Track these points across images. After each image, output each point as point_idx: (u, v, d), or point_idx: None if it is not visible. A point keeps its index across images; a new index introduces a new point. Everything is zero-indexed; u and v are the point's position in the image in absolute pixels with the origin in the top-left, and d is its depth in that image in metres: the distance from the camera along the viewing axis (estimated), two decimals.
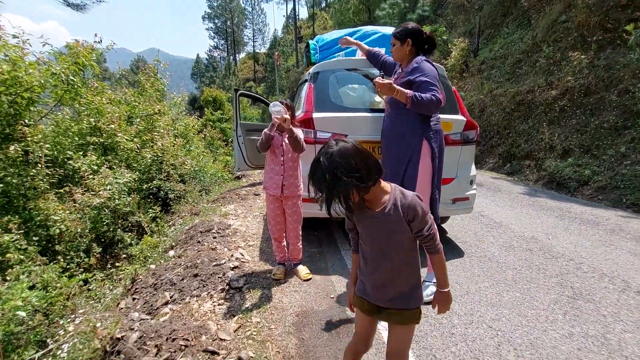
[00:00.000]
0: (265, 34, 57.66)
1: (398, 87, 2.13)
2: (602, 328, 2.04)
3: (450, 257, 3.06)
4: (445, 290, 1.27)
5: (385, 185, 1.23)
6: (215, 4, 53.29)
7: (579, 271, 2.83)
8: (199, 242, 3.20)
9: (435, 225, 1.25)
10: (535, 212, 4.68)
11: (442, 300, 1.28)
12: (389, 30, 4.07)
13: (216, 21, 54.65)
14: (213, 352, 1.72)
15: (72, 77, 4.48)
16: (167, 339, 1.78)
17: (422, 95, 2.11)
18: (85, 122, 5.19)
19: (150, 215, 5.00)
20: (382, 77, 2.18)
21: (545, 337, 1.96)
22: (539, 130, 8.04)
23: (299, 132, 2.51)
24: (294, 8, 47.60)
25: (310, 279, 2.63)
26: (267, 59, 45.31)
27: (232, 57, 56.32)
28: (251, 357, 1.73)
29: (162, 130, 6.11)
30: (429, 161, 2.30)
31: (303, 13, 61.71)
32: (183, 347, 1.72)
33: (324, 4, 56.22)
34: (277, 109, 2.34)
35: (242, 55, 58.33)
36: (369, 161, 1.14)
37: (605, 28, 7.70)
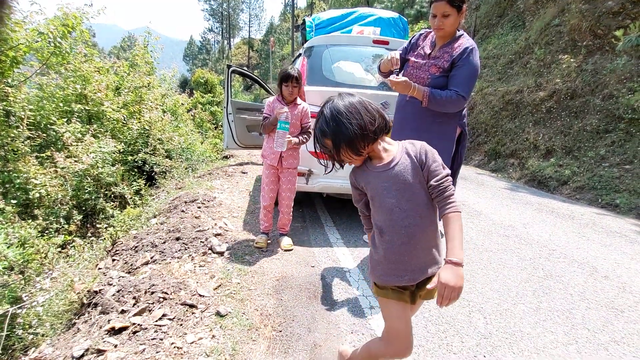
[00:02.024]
0: (261, 19, 56.68)
1: (414, 85, 1.94)
2: (568, 304, 2.15)
3: None
4: (460, 262, 0.98)
5: (391, 140, 1.15)
6: None
7: (551, 256, 2.94)
8: (182, 211, 3.19)
9: (453, 185, 1.09)
10: (515, 204, 4.82)
11: (453, 279, 0.96)
12: (385, 13, 4.08)
13: (212, 3, 53.38)
14: (191, 306, 1.74)
15: (59, 40, 4.33)
16: (145, 292, 1.79)
17: (441, 93, 1.93)
18: (71, 88, 5.04)
19: (134, 187, 4.93)
20: (397, 75, 1.99)
21: (515, 309, 2.05)
22: (524, 130, 8.22)
23: (305, 136, 2.55)
24: None
25: (291, 250, 2.66)
26: (262, 45, 44.65)
27: (226, 41, 55.23)
28: (229, 312, 1.75)
29: (150, 104, 5.99)
30: (457, 145, 2.24)
31: (301, 1, 60.84)
32: (161, 300, 1.73)
33: None
34: (284, 116, 2.33)
35: (237, 40, 57.26)
36: (374, 113, 1.07)
37: (596, 34, 7.87)
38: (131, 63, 6.83)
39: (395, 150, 1.12)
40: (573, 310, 2.08)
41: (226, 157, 7.44)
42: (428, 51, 2.10)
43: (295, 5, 50.78)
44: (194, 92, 22.23)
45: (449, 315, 1.92)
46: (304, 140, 2.53)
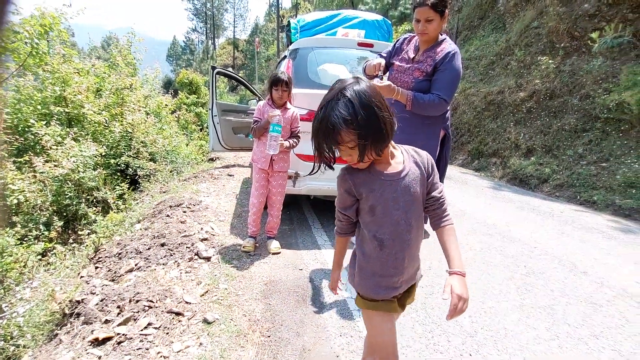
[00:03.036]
0: (246, 19, 56.40)
1: (398, 89, 1.96)
2: (549, 301, 2.21)
3: None
4: (464, 273, 1.01)
5: (394, 144, 1.06)
6: None
7: (533, 254, 3.03)
8: (167, 215, 3.13)
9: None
10: (498, 203, 4.94)
11: (465, 291, 0.98)
12: (370, 15, 4.12)
13: (196, 2, 52.67)
14: (178, 313, 1.71)
15: (36, 40, 4.19)
16: (130, 301, 1.75)
17: (424, 97, 1.96)
18: (49, 90, 4.89)
19: (117, 192, 4.82)
20: (381, 79, 2.01)
21: (498, 306, 2.10)
22: (506, 130, 8.43)
23: (295, 140, 2.57)
24: None
25: (279, 253, 2.66)
26: (248, 45, 44.35)
27: (210, 41, 54.57)
28: (217, 318, 1.73)
29: (133, 106, 5.87)
30: (441, 147, 2.26)
31: (287, 2, 60.70)
32: (146, 308, 1.70)
33: None
34: (276, 119, 2.33)
35: (222, 40, 56.63)
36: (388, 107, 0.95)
37: (573, 35, 8.13)
38: (111, 64, 6.68)
39: (402, 157, 1.04)
40: (554, 306, 2.14)
41: (212, 160, 7.36)
42: (412, 55, 2.13)
43: (280, 5, 50.60)
44: (179, 93, 21.91)
45: (435, 315, 1.96)
46: (294, 144, 2.54)
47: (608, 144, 6.27)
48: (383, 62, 2.08)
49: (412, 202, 1.01)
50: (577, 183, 5.96)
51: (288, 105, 2.56)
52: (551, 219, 4.25)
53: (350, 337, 1.74)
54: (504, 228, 3.73)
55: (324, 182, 2.87)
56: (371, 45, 3.06)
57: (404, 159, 1.04)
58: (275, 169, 2.56)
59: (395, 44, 2.31)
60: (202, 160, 7.83)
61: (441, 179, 2.37)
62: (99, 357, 1.40)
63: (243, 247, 2.66)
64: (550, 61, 7.99)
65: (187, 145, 9.07)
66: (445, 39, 2.08)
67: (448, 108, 2.13)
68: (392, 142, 1.04)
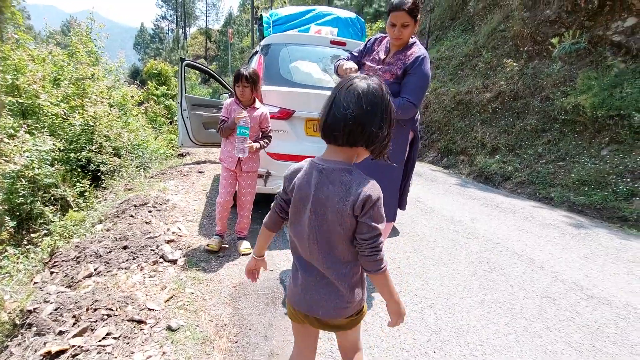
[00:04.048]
0: (219, 9, 54.74)
1: None
2: (509, 296, 2.33)
3: (388, 236, 3.24)
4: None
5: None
6: None
7: (495, 250, 3.18)
8: (131, 216, 2.99)
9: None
10: (464, 200, 5.13)
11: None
12: (343, 12, 4.11)
13: None
14: (140, 321, 1.64)
15: None
16: (87, 310, 1.66)
17: (394, 101, 1.83)
18: (0, 78, 4.51)
19: (78, 189, 4.55)
20: None
21: (462, 303, 2.18)
22: (473, 129, 8.75)
23: (266, 140, 2.50)
24: None
25: (248, 254, 2.62)
26: (221, 36, 43.08)
27: (181, 30, 52.51)
28: (181, 325, 1.68)
29: (95, 97, 5.54)
30: (410, 148, 2.29)
31: None
32: (105, 317, 1.62)
33: None
34: (243, 122, 2.25)
35: (193, 29, 54.67)
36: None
37: (535, 40, 8.54)
38: (71, 52, 6.25)
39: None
40: (513, 301, 2.26)
41: (182, 155, 7.12)
42: (382, 56, 2.14)
43: None
44: (148, 83, 20.93)
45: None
46: (264, 145, 2.48)
47: (565, 144, 6.67)
48: (355, 67, 2.08)
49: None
50: (537, 180, 6.31)
51: (257, 104, 2.49)
52: (512, 215, 4.47)
53: (319, 339, 1.75)
54: (469, 225, 3.89)
55: None
56: (344, 44, 3.06)
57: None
58: (244, 169, 2.50)
59: (366, 44, 2.32)
60: (172, 155, 7.55)
61: (409, 179, 2.42)
62: None
63: (207, 245, 2.58)
64: (514, 64, 8.36)
65: (155, 139, 8.71)
66: (415, 42, 2.11)
67: (416, 112, 2.16)
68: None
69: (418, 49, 2.04)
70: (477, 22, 11.00)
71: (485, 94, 8.91)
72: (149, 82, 20.98)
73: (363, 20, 4.18)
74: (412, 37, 2.13)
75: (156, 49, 45.00)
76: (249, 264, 1.26)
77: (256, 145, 2.38)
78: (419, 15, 1.97)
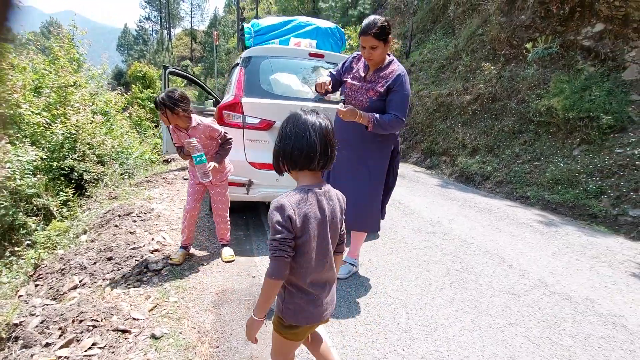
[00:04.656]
0: (204, 10, 54.25)
1: (360, 112, 2.08)
2: (477, 294, 2.49)
3: (367, 239, 3.37)
4: (255, 317, 1.11)
5: (316, 181, 1.16)
6: None
7: (469, 250, 3.35)
8: (116, 226, 3.05)
9: (277, 248, 1.06)
10: (444, 201, 5.32)
11: (247, 325, 1.14)
12: (323, 23, 4.23)
13: None
14: (124, 331, 1.72)
15: None
16: (73, 321, 1.73)
17: (384, 117, 2.09)
18: None
19: (61, 198, 4.54)
20: (344, 103, 2.13)
21: (433, 302, 2.33)
22: (454, 130, 9.00)
23: (228, 147, 2.54)
24: None
25: (232, 261, 2.71)
26: (206, 37, 42.71)
27: (166, 31, 51.81)
28: (165, 333, 1.77)
29: (77, 105, 5.52)
30: (391, 162, 2.41)
31: None
32: (91, 328, 1.69)
33: None
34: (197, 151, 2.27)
35: (178, 30, 54.00)
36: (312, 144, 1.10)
37: (512, 44, 8.85)
38: (52, 59, 6.20)
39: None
40: (480, 299, 2.42)
41: (167, 162, 7.12)
42: (362, 74, 2.26)
43: None
44: (132, 86, 20.66)
45: (377, 314, 2.14)
46: (225, 153, 2.51)
47: (540, 144, 6.95)
48: (328, 79, 2.19)
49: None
50: (514, 180, 6.56)
51: (194, 121, 2.42)
52: (488, 215, 4.68)
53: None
54: (447, 226, 4.06)
55: (278, 189, 2.96)
56: (322, 56, 3.18)
57: None
58: (213, 182, 2.55)
59: (344, 63, 2.44)
60: (157, 160, 7.54)
61: (390, 190, 2.56)
62: None
63: (170, 259, 2.58)
64: (492, 67, 8.64)
65: (140, 143, 8.66)
66: (392, 60, 2.25)
67: (403, 126, 2.30)
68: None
69: (397, 67, 2.18)
70: (457, 26, 11.30)
71: (465, 96, 9.17)
72: (133, 85, 20.72)
73: (342, 30, 4.31)
74: (389, 55, 2.27)
75: (140, 50, 44.31)
76: (254, 330, 1.13)
77: (214, 164, 2.38)
78: (389, 37, 2.10)
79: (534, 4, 8.33)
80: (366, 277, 2.62)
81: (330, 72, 2.40)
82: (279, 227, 1.05)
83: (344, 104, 2.21)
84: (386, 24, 2.07)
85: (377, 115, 2.10)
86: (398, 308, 2.22)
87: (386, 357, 1.76)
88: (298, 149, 1.09)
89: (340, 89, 2.36)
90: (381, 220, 2.52)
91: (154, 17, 51.66)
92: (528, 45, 7.61)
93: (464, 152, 8.36)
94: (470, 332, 2.02)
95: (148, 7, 50.98)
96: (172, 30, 52.59)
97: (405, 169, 8.57)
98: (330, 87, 2.19)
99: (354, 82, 2.24)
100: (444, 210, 4.74)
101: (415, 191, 5.93)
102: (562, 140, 6.66)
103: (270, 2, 44.93)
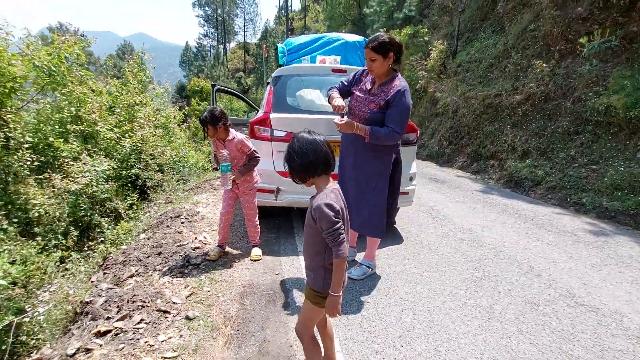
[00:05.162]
0: (256, 24, 57.23)
1: (357, 124, 2.28)
2: (492, 300, 2.50)
3: (390, 243, 3.50)
4: (335, 294, 1.37)
5: (327, 185, 1.43)
6: None
7: (496, 258, 3.30)
8: (167, 226, 3.55)
9: (340, 234, 1.33)
10: (482, 207, 5.17)
11: (329, 304, 1.39)
12: (351, 37, 4.45)
13: (206, 9, 53.95)
14: (165, 312, 2.10)
15: (53, 69, 4.71)
16: (127, 302, 2.15)
17: (380, 130, 2.27)
18: (66, 111, 5.42)
19: (128, 202, 5.30)
20: (342, 117, 2.34)
21: (443, 306, 2.40)
22: (503, 132, 8.57)
23: (252, 162, 2.86)
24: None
25: (259, 260, 3.02)
26: (258, 49, 45.02)
27: (221, 46, 55.72)
28: (197, 315, 2.12)
29: (142, 121, 6.37)
30: (393, 167, 2.56)
31: (296, 4, 61.38)
32: (140, 307, 2.10)
33: None
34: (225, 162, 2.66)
35: (233, 44, 57.76)
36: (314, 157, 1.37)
37: (567, 39, 8.22)
38: (124, 82, 7.22)
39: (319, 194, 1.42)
40: (494, 306, 2.43)
41: (216, 169, 7.82)
42: (369, 87, 2.47)
43: (290, 8, 51.28)
44: (191, 99, 22.68)
45: (383, 313, 2.29)
46: (250, 168, 2.84)
47: (599, 146, 6.40)
48: (343, 104, 2.40)
49: (307, 224, 1.47)
50: (569, 185, 6.12)
51: (231, 135, 2.80)
52: (529, 222, 4.47)
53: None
54: (479, 232, 3.99)
55: (303, 195, 3.22)
56: (344, 71, 3.40)
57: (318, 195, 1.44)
58: (241, 189, 2.92)
59: (355, 74, 2.65)
60: (209, 167, 8.31)
61: (396, 197, 2.69)
62: (100, 345, 1.80)
63: (208, 255, 2.97)
64: (544, 65, 8.10)
65: (196, 152, 9.60)
66: (397, 75, 2.41)
67: (399, 139, 2.45)
68: (330, 182, 1.47)
69: (399, 83, 2.34)
70: (507, 22, 10.72)
71: (515, 96, 8.69)
72: (192, 98, 22.68)
73: None
74: (395, 70, 2.44)
75: (199, 65, 48.12)
76: (339, 304, 1.40)
77: (237, 176, 2.76)
78: (390, 53, 2.27)
79: None
80: (381, 279, 2.76)
81: (342, 82, 2.62)
82: (335, 219, 1.35)
83: (350, 113, 2.41)
84: (387, 40, 2.26)
85: (374, 128, 2.28)
86: (406, 309, 2.34)
87: (384, 351, 1.91)
88: (317, 159, 1.38)
89: (349, 99, 2.58)
90: (394, 225, 2.65)
91: (212, 33, 55.85)
92: (583, 40, 7.04)
93: (513, 155, 7.93)
94: (475, 336, 2.08)
95: (206, 25, 55.30)
96: (227, 45, 56.39)
97: (447, 174, 8.36)
98: (344, 112, 2.41)
99: (359, 94, 2.45)
100: (479, 217, 4.63)
101: (453, 197, 5.82)
102: (624, 141, 6.08)
103: (318, 11, 46.09)
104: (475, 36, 12.49)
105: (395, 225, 4.10)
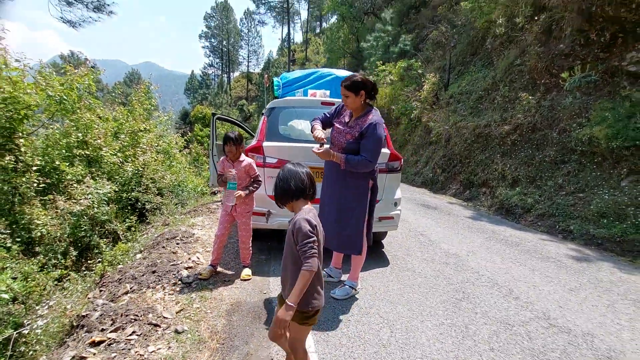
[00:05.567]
0: (260, 55, 59.54)
1: (333, 153, 2.56)
2: (468, 320, 2.62)
3: (375, 266, 3.63)
4: (290, 304, 1.45)
5: (304, 206, 1.64)
6: (212, 24, 55.14)
7: (478, 281, 3.42)
8: (163, 247, 3.71)
9: (312, 247, 1.48)
10: (470, 233, 5.32)
11: (280, 314, 1.46)
12: (341, 72, 4.80)
13: (212, 40, 56.37)
14: (156, 325, 2.23)
15: (64, 97, 5.05)
16: (121, 315, 2.29)
17: (355, 158, 2.53)
18: (73, 136, 5.72)
19: (127, 224, 5.47)
20: (321, 146, 2.60)
21: (420, 324, 2.52)
22: (493, 161, 8.85)
23: (255, 185, 3.10)
24: (288, 33, 49.51)
25: (248, 279, 3.16)
26: (260, 78, 46.62)
27: (226, 75, 57.71)
28: (185, 329, 2.24)
29: (145, 147, 6.66)
30: (370, 193, 2.79)
31: (298, 37, 64.21)
32: (132, 320, 2.23)
33: (318, 30, 58.68)
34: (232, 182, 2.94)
35: (236, 74, 59.88)
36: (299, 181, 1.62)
37: (552, 73, 8.68)
38: (130, 109, 7.60)
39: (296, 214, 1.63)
40: (470, 325, 2.55)
41: (214, 193, 8.03)
42: (347, 120, 2.74)
43: (292, 41, 53.63)
44: (194, 125, 23.31)
45: (362, 330, 2.41)
46: (253, 190, 3.08)
47: (584, 175, 6.62)
48: (323, 135, 2.67)
49: (287, 241, 1.65)
50: (557, 213, 6.29)
51: (242, 157, 3.12)
52: (514, 248, 4.61)
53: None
54: (464, 257, 4.13)
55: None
56: (333, 104, 3.67)
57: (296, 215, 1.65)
58: (238, 211, 3.12)
59: (336, 108, 2.94)
60: (207, 191, 8.53)
61: (372, 218, 2.89)
62: (94, 354, 1.92)
63: (199, 273, 3.13)
64: (530, 97, 8.51)
65: (195, 176, 9.87)
66: (371, 110, 2.69)
67: (374, 167, 2.68)
68: (306, 206, 1.67)
69: (372, 117, 2.61)
70: (495, 57, 11.32)
71: (503, 126, 9.05)
72: (195, 124, 23.26)
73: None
74: (370, 106, 2.72)
75: (203, 94, 49.62)
76: (289, 317, 1.47)
77: (242, 193, 2.98)
78: (361, 91, 2.55)
79: (572, 33, 8.21)
80: (363, 299, 2.89)
81: (324, 113, 2.90)
82: (310, 234, 1.52)
83: (331, 142, 2.67)
84: (360, 80, 2.57)
85: (349, 156, 2.54)
86: (384, 327, 2.46)
87: None
88: (294, 184, 1.62)
89: (330, 129, 2.85)
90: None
91: (216, 63, 58.02)
92: (564, 75, 7.47)
93: (504, 183, 8.15)
94: (447, 353, 2.19)
95: (212, 56, 57.56)
96: (231, 74, 58.44)
97: (439, 201, 8.55)
98: (323, 142, 2.67)
99: (338, 126, 2.72)
100: (466, 243, 4.77)
101: (443, 223, 5.98)
102: (608, 170, 6.31)
103: (319, 44, 48.20)
104: (466, 69, 13.12)
105: (382, 249, 4.25)
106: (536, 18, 9.36)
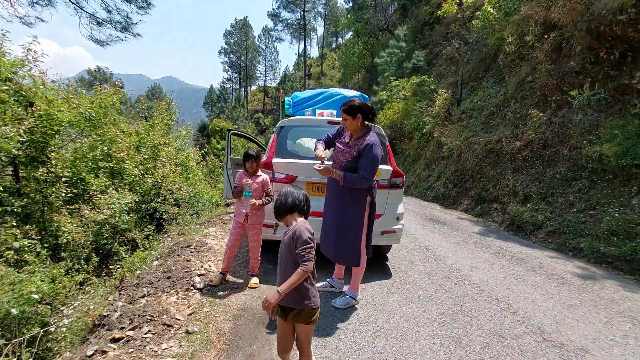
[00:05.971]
0: (276, 69, 61.07)
1: (333, 170, 2.78)
2: (462, 332, 2.73)
3: (377, 278, 3.77)
4: (280, 292, 1.68)
5: (298, 219, 1.88)
6: (231, 41, 57.14)
7: (477, 295, 3.51)
8: (178, 255, 3.96)
9: (309, 252, 1.71)
10: (476, 248, 5.37)
11: (270, 296, 1.69)
12: (349, 92, 5.06)
13: (231, 56, 58.28)
14: (169, 325, 2.45)
15: (93, 115, 5.49)
16: (138, 316, 2.52)
17: (352, 175, 2.72)
18: (99, 149, 6.15)
19: (145, 233, 5.79)
20: (322, 164, 2.80)
21: (415, 334, 2.65)
22: (505, 177, 8.85)
23: (268, 198, 3.35)
24: (304, 48, 50.75)
25: (256, 287, 3.36)
26: (276, 92, 47.73)
27: (243, 89, 59.32)
28: (195, 330, 2.45)
29: (164, 160, 7.05)
30: (369, 208, 2.98)
31: (314, 52, 65.68)
32: (148, 321, 2.46)
33: (334, 45, 59.91)
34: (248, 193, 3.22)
35: (254, 87, 61.47)
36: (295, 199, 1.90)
37: (562, 90, 8.71)
38: (151, 124, 8.07)
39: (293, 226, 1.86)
40: (463, 337, 2.66)
41: (228, 205, 8.34)
42: (347, 140, 2.96)
43: (308, 55, 54.92)
44: (211, 138, 24.04)
45: (359, 338, 2.55)
46: (266, 202, 3.33)
47: (595, 192, 6.58)
48: (324, 154, 2.89)
49: (285, 249, 1.85)
50: (568, 230, 6.25)
51: (259, 172, 3.40)
52: (519, 264, 4.65)
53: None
54: (466, 272, 4.21)
55: None
56: (338, 123, 3.91)
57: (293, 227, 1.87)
58: (250, 222, 3.35)
59: (339, 129, 3.17)
60: (221, 203, 8.85)
61: (371, 232, 3.05)
62: (114, 349, 2.15)
63: (210, 280, 3.36)
64: (540, 114, 8.54)
65: (211, 188, 10.25)
66: (369, 132, 2.90)
67: (371, 183, 2.87)
68: (298, 219, 1.91)
69: (369, 138, 2.82)
70: (507, 74, 11.41)
71: (515, 142, 9.07)
72: (212, 137, 23.97)
73: (367, 96, 5.07)
74: (368, 127, 2.93)
75: (220, 107, 51.10)
76: (275, 300, 1.70)
77: (258, 202, 3.22)
78: (358, 114, 2.77)
79: (582, 51, 8.26)
80: (362, 309, 3.03)
81: (328, 134, 3.12)
82: (309, 240, 1.76)
83: (333, 161, 2.89)
84: (357, 105, 2.78)
85: (347, 173, 2.75)
86: (380, 335, 2.60)
87: None
88: (291, 200, 1.90)
89: (332, 149, 3.07)
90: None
91: (234, 78, 59.84)
92: (573, 93, 7.50)
93: (515, 199, 8.13)
94: None
95: (230, 70, 59.47)
96: (248, 88, 60.06)
97: (449, 216, 8.58)
98: (325, 159, 2.89)
99: (339, 146, 2.94)
100: (471, 258, 4.83)
101: (450, 238, 6.04)
102: (618, 188, 6.27)
103: (335, 59, 49.16)
104: (479, 85, 13.22)
105: (387, 262, 4.38)
106: (546, 36, 9.45)
